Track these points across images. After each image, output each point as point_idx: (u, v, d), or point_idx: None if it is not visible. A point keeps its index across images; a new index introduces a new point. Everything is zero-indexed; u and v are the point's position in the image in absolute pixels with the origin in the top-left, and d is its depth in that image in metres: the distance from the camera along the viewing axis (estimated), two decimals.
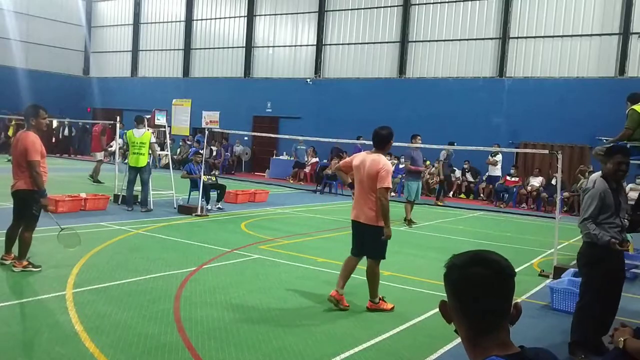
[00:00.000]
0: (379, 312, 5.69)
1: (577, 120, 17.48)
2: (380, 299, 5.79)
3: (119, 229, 9.45)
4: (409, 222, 12.01)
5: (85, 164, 23.68)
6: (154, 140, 12.48)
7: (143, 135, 11.64)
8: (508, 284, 1.51)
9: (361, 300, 6.23)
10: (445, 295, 1.56)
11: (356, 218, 5.74)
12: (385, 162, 5.63)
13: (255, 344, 4.66)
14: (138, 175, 11.57)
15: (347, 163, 6.01)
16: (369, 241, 5.68)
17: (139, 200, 11.86)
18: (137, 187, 11.74)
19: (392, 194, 17.21)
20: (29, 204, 6.27)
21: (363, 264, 5.86)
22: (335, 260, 7.90)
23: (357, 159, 5.81)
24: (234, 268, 7.29)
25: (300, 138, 18.10)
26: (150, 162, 12.79)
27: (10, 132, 23.88)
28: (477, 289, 1.48)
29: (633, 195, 14.78)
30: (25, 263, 6.32)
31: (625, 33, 17.59)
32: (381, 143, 5.79)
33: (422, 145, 12.19)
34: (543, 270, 7.99)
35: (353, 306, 5.95)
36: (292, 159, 22.65)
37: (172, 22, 28.40)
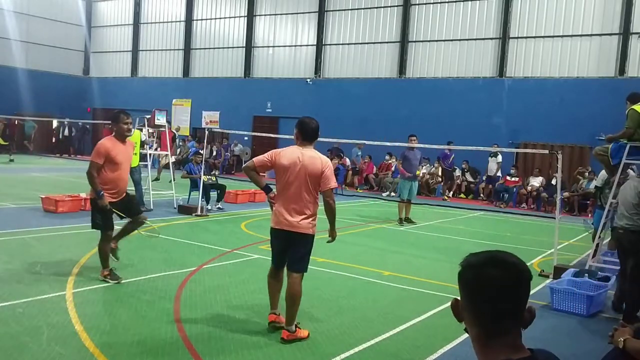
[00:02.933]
0: (296, 341, 4.73)
1: (577, 120, 17.47)
2: (296, 325, 4.83)
3: (119, 228, 9.42)
4: (406, 220, 12.06)
5: (85, 164, 23.66)
6: (143, 138, 12.54)
7: (134, 135, 11.71)
8: (524, 287, 1.49)
9: (360, 301, 6.23)
10: (459, 293, 1.55)
11: (289, 227, 4.76)
12: (326, 159, 4.92)
13: (255, 344, 4.66)
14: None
15: (264, 162, 4.89)
16: (300, 252, 4.82)
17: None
18: (130, 188, 11.74)
19: (392, 194, 17.23)
20: (92, 212, 6.17)
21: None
22: (335, 261, 7.91)
23: (284, 157, 4.82)
24: (234, 268, 7.28)
25: (360, 142, 17.36)
26: (150, 163, 12.81)
27: None
28: (493, 290, 1.46)
29: None
30: (105, 273, 6.13)
31: (625, 33, 17.59)
32: (314, 135, 4.95)
33: (422, 145, 12.20)
34: (543, 270, 7.99)
35: (352, 306, 5.95)
36: (352, 166, 20.94)
37: (172, 22, 28.40)
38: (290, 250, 4.83)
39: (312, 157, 4.80)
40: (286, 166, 4.77)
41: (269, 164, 4.88)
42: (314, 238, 4.88)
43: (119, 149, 6.12)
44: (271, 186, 5.07)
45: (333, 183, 4.89)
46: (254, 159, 4.98)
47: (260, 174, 4.99)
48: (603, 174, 8.53)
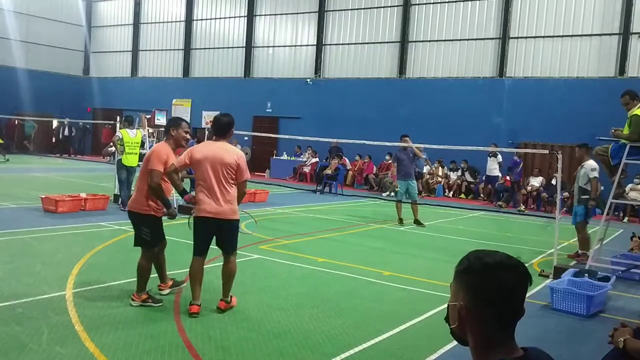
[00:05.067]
0: (229, 310, 5.37)
1: (577, 120, 17.46)
2: (231, 296, 5.49)
3: (119, 229, 9.44)
4: (415, 222, 12.06)
5: (85, 164, 23.69)
6: (144, 133, 12.61)
7: (137, 134, 11.80)
8: (526, 289, 1.51)
9: (360, 301, 6.23)
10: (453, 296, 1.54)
11: (215, 215, 5.19)
12: (238, 151, 5.42)
13: (256, 344, 4.66)
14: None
15: (182, 161, 5.31)
16: (229, 236, 5.40)
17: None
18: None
19: (392, 194, 17.23)
20: (139, 227, 5.52)
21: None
22: (335, 260, 7.91)
23: (198, 152, 5.26)
24: None
25: (422, 146, 16.53)
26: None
27: None
28: (508, 296, 1.47)
29: (633, 195, 14.81)
30: (144, 296, 5.45)
31: (625, 33, 17.58)
32: (224, 130, 5.36)
33: (421, 146, 12.19)
34: (543, 270, 7.99)
35: (352, 306, 5.95)
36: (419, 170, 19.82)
37: (172, 22, 28.40)
38: (224, 235, 5.41)
39: (227, 150, 5.27)
40: (200, 159, 5.21)
41: (185, 160, 5.30)
42: (238, 221, 5.48)
43: (172, 158, 5.49)
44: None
45: (247, 175, 5.38)
46: (177, 163, 5.39)
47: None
48: (583, 172, 9.02)
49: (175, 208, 11.29)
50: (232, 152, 5.26)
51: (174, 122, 5.70)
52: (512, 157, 17.95)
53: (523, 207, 16.68)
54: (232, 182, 5.26)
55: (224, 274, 5.44)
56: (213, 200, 5.19)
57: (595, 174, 8.85)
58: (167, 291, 5.81)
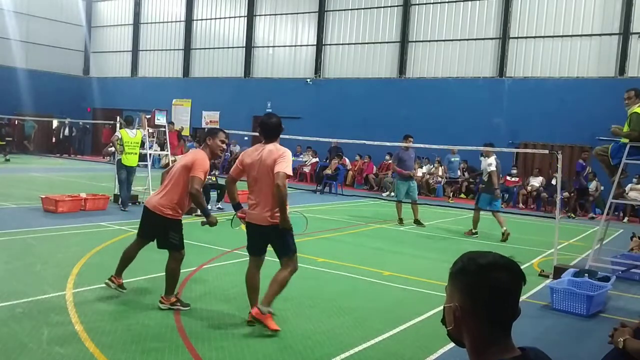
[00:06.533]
0: (262, 324, 4.86)
1: (577, 121, 17.48)
2: (269, 310, 4.95)
3: (119, 229, 9.44)
4: (415, 222, 12.07)
5: (86, 164, 23.69)
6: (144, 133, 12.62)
7: (137, 134, 11.81)
8: (521, 288, 1.52)
9: (360, 301, 6.23)
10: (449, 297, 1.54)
11: (261, 222, 4.95)
12: (283, 149, 4.96)
13: (256, 344, 4.66)
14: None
15: (236, 169, 5.14)
16: (280, 243, 5.02)
17: (137, 200, 11.93)
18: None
19: (392, 194, 17.23)
20: (168, 232, 5.45)
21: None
22: (335, 260, 7.91)
23: (247, 156, 5.03)
24: (233, 268, 7.28)
25: (455, 148, 15.84)
26: (150, 163, 12.82)
27: None
28: (505, 295, 1.47)
29: (633, 195, 14.81)
30: (173, 299, 5.41)
31: (625, 33, 17.59)
32: (273, 132, 5.04)
33: (421, 146, 12.20)
34: (543, 270, 7.99)
35: (352, 306, 5.95)
36: (447, 175, 19.16)
37: (172, 22, 28.40)
38: (275, 242, 5.03)
39: (270, 150, 4.91)
40: (250, 164, 4.98)
41: (240, 168, 5.08)
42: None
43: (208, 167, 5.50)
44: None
45: (283, 167, 4.82)
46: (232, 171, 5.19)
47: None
48: (484, 167, 10.96)
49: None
50: (276, 152, 4.90)
51: (213, 133, 5.61)
52: (511, 156, 17.95)
53: (573, 214, 15.79)
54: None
55: (280, 280, 5.01)
56: (259, 208, 4.96)
57: (492, 167, 10.65)
58: (166, 306, 5.41)
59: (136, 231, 5.92)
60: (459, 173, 19.40)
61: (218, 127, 6.11)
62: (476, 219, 11.14)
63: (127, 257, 5.69)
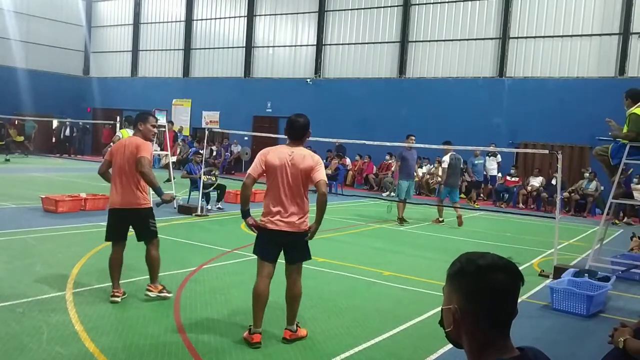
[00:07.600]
0: (298, 340, 4.77)
1: (577, 121, 17.48)
2: (297, 324, 4.83)
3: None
4: (400, 220, 12.09)
5: (86, 164, 23.68)
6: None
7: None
8: (519, 289, 1.51)
9: (360, 301, 6.23)
10: (447, 299, 1.54)
11: (286, 228, 4.63)
12: (318, 156, 4.82)
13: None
14: None
15: (257, 169, 4.71)
16: (300, 248, 4.77)
17: None
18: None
19: (392, 194, 17.22)
20: (145, 221, 5.58)
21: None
22: (335, 260, 7.91)
23: (274, 157, 4.67)
24: (233, 268, 7.28)
25: (479, 149, 15.86)
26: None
27: None
28: (504, 296, 1.47)
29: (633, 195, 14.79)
30: (160, 287, 5.61)
31: (625, 33, 17.59)
32: (300, 133, 4.78)
33: (420, 146, 12.20)
34: (543, 270, 7.99)
35: (353, 306, 5.95)
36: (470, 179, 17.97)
37: (172, 22, 28.40)
38: (295, 248, 4.76)
39: (304, 155, 4.69)
40: (277, 166, 4.64)
41: (261, 169, 4.71)
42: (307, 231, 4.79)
43: None
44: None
45: (324, 176, 4.71)
46: (251, 172, 4.76)
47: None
48: (447, 158, 12.35)
49: (175, 208, 11.17)
50: (311, 158, 4.68)
51: (143, 118, 5.75)
52: (511, 156, 17.93)
53: (617, 221, 14.51)
54: (304, 191, 4.70)
55: (290, 296, 4.86)
56: (284, 214, 4.63)
57: (444, 165, 12.44)
58: (154, 294, 5.63)
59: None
60: (425, 169, 19.02)
61: (148, 111, 6.27)
62: (441, 209, 12.61)
63: (116, 265, 5.62)
